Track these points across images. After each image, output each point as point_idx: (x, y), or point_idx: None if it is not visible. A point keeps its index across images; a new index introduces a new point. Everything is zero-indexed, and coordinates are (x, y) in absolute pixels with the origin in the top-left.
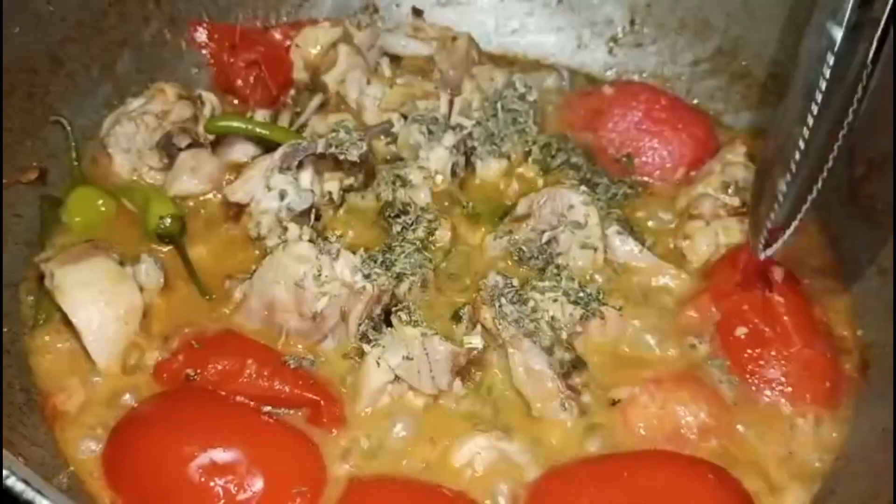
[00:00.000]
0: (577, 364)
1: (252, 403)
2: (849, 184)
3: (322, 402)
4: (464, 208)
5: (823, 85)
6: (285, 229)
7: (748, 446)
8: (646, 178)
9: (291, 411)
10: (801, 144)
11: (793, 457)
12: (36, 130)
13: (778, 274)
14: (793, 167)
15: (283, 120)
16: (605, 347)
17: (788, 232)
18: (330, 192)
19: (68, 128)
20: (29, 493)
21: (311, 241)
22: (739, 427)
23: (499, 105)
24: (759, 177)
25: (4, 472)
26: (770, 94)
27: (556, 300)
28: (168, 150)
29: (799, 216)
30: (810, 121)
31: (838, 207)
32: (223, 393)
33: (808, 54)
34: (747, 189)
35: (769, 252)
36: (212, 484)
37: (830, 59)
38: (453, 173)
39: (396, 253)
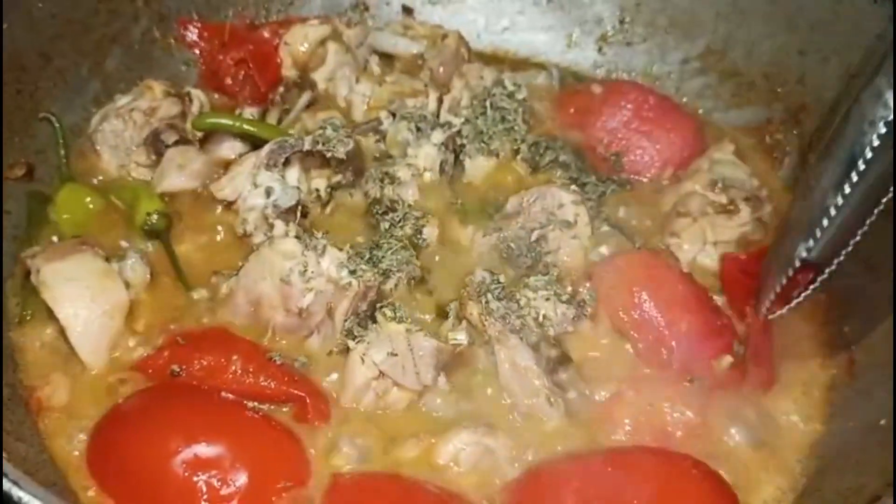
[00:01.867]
0: (564, 360)
1: (237, 399)
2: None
3: (307, 398)
4: (452, 205)
5: (869, 154)
6: (272, 226)
7: (733, 444)
8: (634, 177)
9: (277, 407)
10: (833, 212)
11: (778, 453)
12: (24, 127)
13: None
14: (818, 233)
15: (272, 117)
16: (593, 344)
17: (798, 299)
18: (317, 190)
19: (57, 124)
20: (5, 485)
21: (297, 237)
22: (725, 424)
23: (488, 103)
24: (779, 236)
25: None
26: (759, 91)
27: (548, 299)
28: (155, 146)
29: (813, 286)
30: (847, 189)
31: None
32: (208, 389)
33: (860, 118)
34: (735, 186)
35: (775, 313)
36: (195, 479)
37: (882, 128)
38: (442, 171)
39: (384, 249)
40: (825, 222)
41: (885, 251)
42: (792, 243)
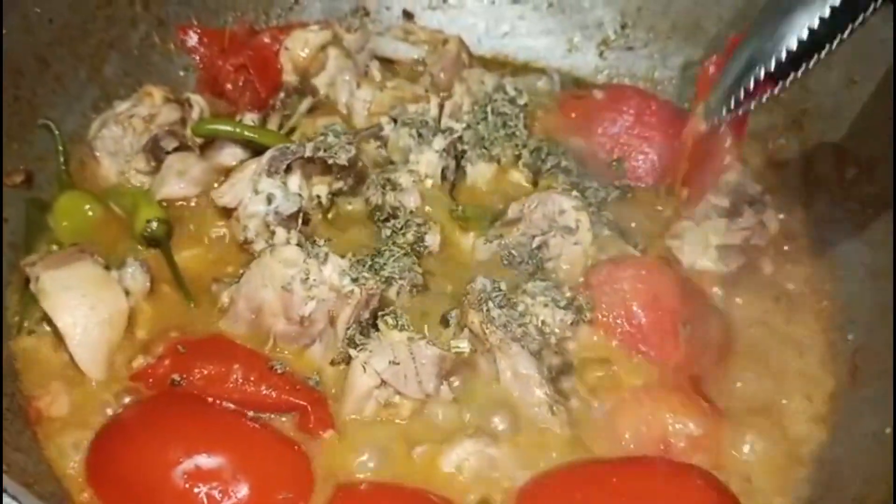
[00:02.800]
0: (566, 369)
1: (238, 409)
2: (839, 186)
3: (309, 407)
4: (453, 212)
5: None
6: (273, 233)
7: (737, 454)
8: (636, 183)
9: (278, 416)
10: (805, 33)
11: (782, 463)
12: (23, 133)
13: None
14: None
15: (273, 123)
16: (595, 352)
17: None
18: (318, 196)
19: (55, 131)
20: (5, 500)
21: (298, 244)
22: (728, 435)
23: (489, 108)
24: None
25: None
26: None
27: (546, 305)
28: (155, 153)
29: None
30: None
31: (828, 210)
32: (209, 398)
33: None
34: (738, 191)
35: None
36: (196, 490)
37: None
38: (443, 177)
39: (385, 257)
40: (793, 43)
41: (888, 257)
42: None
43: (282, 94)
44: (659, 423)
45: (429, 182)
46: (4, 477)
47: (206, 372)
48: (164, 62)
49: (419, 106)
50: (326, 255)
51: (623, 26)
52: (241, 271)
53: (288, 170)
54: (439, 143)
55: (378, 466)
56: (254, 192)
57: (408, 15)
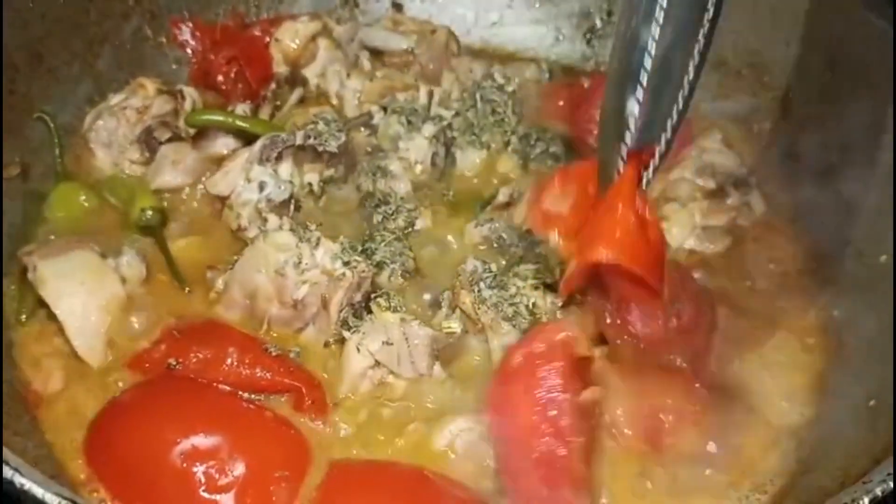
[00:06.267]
0: None
1: (234, 391)
2: (821, 168)
3: (304, 388)
4: (444, 196)
5: None
6: (265, 220)
7: (723, 430)
8: None
9: (274, 398)
10: (652, 51)
11: (768, 437)
12: (18, 127)
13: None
14: (644, 80)
15: (264, 114)
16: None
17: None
18: (310, 184)
19: (51, 124)
20: (7, 472)
21: (291, 230)
22: (715, 411)
23: (478, 96)
24: (605, 101)
25: None
26: (746, 82)
27: (537, 287)
28: (149, 143)
29: (664, 137)
30: (659, 21)
31: (812, 191)
32: (205, 381)
33: None
34: (724, 172)
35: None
36: (193, 469)
37: None
38: (433, 163)
39: (377, 242)
40: (648, 63)
41: (873, 236)
42: (620, 100)
43: (273, 86)
44: (647, 401)
45: (418, 168)
46: (9, 453)
47: (201, 355)
48: (157, 55)
49: (408, 94)
50: (318, 239)
51: (609, 14)
52: (234, 258)
53: (279, 158)
54: (429, 129)
55: (371, 444)
56: (246, 180)
57: (396, 6)
